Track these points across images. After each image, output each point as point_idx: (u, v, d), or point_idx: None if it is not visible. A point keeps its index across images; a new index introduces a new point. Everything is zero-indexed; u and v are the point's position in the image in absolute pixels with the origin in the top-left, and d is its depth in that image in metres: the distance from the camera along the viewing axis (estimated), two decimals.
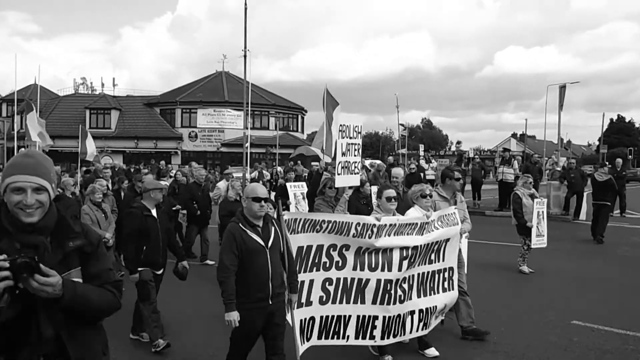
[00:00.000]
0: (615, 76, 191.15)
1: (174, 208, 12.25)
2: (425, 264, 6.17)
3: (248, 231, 4.80)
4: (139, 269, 6.63)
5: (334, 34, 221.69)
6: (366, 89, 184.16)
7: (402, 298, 5.88)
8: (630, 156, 54.78)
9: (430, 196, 6.52)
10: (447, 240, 6.33)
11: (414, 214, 6.24)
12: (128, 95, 60.15)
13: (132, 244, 6.67)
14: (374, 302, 5.77)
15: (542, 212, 10.44)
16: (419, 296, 6.09)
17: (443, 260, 6.35)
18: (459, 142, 28.40)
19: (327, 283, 5.71)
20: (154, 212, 6.83)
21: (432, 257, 6.23)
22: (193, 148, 51.67)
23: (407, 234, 5.90)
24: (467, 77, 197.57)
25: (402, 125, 45.21)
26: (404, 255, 5.83)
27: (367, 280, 5.73)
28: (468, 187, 23.03)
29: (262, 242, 4.81)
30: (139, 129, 52.67)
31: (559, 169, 22.59)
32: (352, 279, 5.75)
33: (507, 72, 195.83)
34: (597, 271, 10.96)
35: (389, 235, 5.80)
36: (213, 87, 55.50)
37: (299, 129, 59.43)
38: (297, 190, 11.83)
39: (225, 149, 51.09)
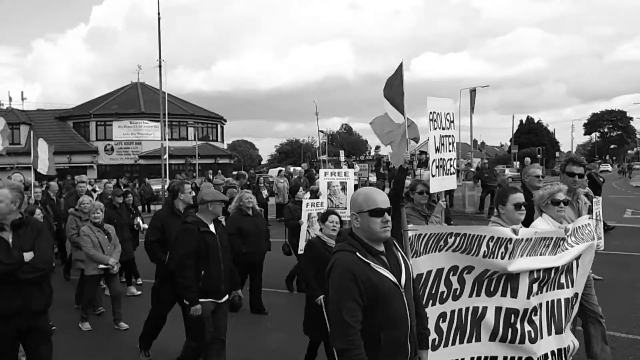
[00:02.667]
0: (523, 80, 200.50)
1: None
2: (554, 288, 4.57)
3: (372, 263, 3.18)
4: (201, 300, 5.51)
5: (255, 43, 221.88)
6: (287, 97, 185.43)
7: (533, 336, 4.30)
8: (539, 155, 57.28)
9: (565, 203, 5.09)
10: (578, 258, 4.75)
11: (542, 226, 4.82)
12: (38, 109, 57.76)
13: (191, 267, 5.47)
14: (492, 338, 4.28)
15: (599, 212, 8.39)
16: (549, 333, 4.47)
17: (572, 285, 4.74)
18: (377, 147, 29.01)
19: (440, 320, 4.28)
20: (212, 227, 5.73)
21: (563, 280, 4.63)
22: (110, 161, 50.17)
23: (541, 253, 4.43)
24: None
25: (322, 131, 45.64)
26: (535, 277, 4.33)
27: (484, 310, 4.28)
28: (388, 190, 23.46)
29: (394, 279, 3.21)
30: (52, 143, 50.55)
31: (472, 169, 23.44)
32: (467, 310, 4.31)
33: (423, 78, 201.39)
34: None
35: (523, 256, 4.28)
36: (128, 98, 54.09)
37: (219, 139, 58.87)
38: (313, 209, 9.21)
39: (143, 161, 49.88)
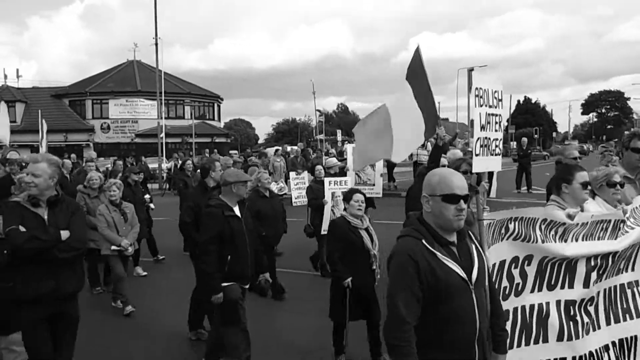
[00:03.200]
0: (521, 60, 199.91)
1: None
2: (613, 275, 4.25)
3: (438, 254, 2.89)
4: (223, 284, 5.29)
5: (252, 22, 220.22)
6: (285, 76, 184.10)
7: (589, 327, 4.02)
8: (536, 135, 57.31)
9: (622, 185, 4.72)
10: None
11: (596, 209, 4.45)
12: (34, 87, 57.38)
13: (214, 253, 5.24)
14: (559, 338, 3.90)
15: None
16: (608, 322, 4.15)
17: (633, 269, 4.38)
18: None
19: None
20: (237, 210, 5.45)
21: (622, 265, 4.30)
22: (106, 140, 50.02)
23: (599, 237, 4.10)
24: (383, 63, 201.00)
25: (319, 111, 45.54)
26: (592, 264, 4.02)
27: (547, 306, 3.91)
28: (384, 170, 23.43)
29: (462, 274, 2.89)
30: (48, 121, 50.03)
31: (470, 149, 23.39)
32: (532, 308, 3.93)
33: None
34: None
35: (579, 240, 3.99)
36: (124, 76, 53.77)
37: (216, 117, 58.66)
38: (337, 188, 8.93)
39: (139, 139, 49.71)
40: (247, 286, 5.61)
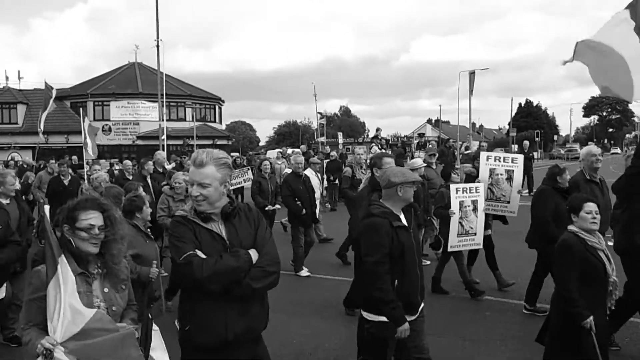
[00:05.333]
0: (523, 63, 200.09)
1: (266, 209, 10.48)
2: None
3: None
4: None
5: (256, 24, 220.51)
6: (286, 78, 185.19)
7: None
8: (537, 138, 57.23)
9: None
10: None
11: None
12: (35, 88, 57.38)
13: (387, 275, 4.17)
14: None
15: None
16: None
17: None
18: (378, 129, 28.88)
19: None
20: (403, 219, 4.37)
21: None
22: (107, 142, 49.93)
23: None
24: (385, 66, 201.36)
25: (320, 113, 45.51)
26: None
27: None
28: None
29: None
30: (49, 123, 50.04)
31: (470, 151, 23.45)
32: None
33: (422, 60, 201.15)
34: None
35: None
36: (126, 78, 53.75)
37: (217, 120, 58.65)
38: (466, 196, 7.92)
39: (141, 141, 49.69)
40: (416, 316, 4.39)
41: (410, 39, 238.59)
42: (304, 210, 9.62)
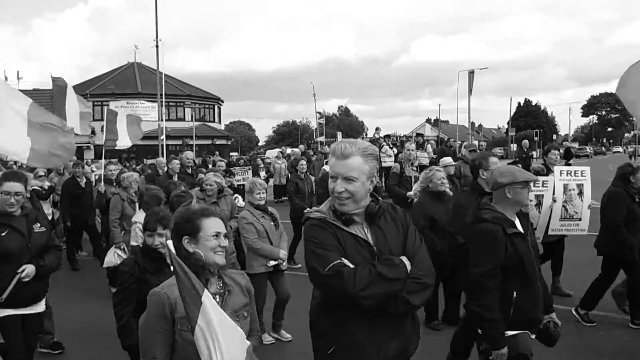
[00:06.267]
0: (523, 63, 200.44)
1: (305, 211, 9.76)
2: None
3: None
4: (509, 333, 3.73)
5: (256, 24, 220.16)
6: (286, 78, 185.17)
7: None
8: (536, 137, 57.20)
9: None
10: None
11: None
12: (34, 88, 57.37)
13: (495, 290, 3.70)
14: None
15: None
16: None
17: None
18: (377, 129, 28.82)
19: None
20: (519, 226, 3.85)
21: None
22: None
23: None
24: (385, 66, 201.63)
25: (319, 113, 45.62)
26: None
27: None
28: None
29: None
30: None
31: (470, 150, 23.48)
32: None
33: (422, 60, 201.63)
34: None
35: None
36: (125, 78, 53.72)
37: (216, 120, 58.68)
38: (570, 179, 7.44)
39: (140, 141, 49.43)
40: (533, 335, 3.91)
41: (411, 39, 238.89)
42: None
